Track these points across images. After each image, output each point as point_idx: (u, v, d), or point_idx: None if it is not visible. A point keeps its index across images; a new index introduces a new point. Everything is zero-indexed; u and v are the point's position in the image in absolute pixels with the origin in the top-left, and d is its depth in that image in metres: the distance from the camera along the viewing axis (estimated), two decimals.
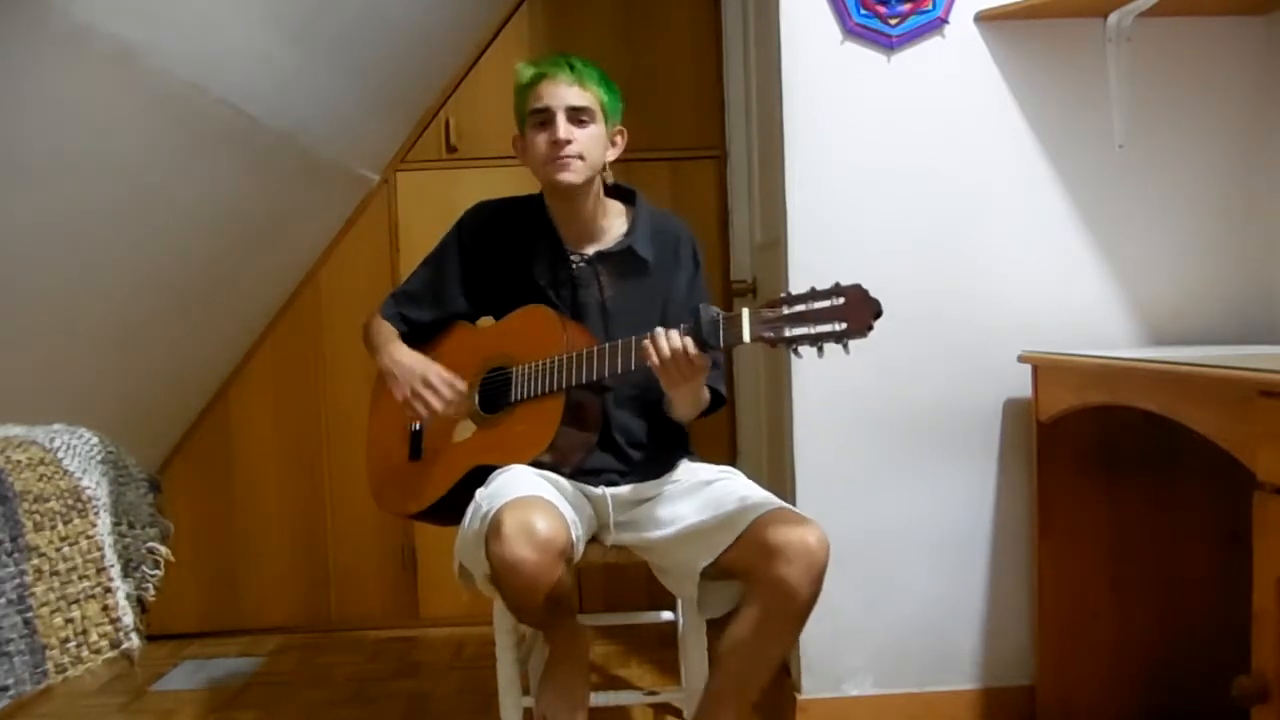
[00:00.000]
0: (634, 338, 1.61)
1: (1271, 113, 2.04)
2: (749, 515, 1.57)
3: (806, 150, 2.04)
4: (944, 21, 2.03)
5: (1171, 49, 2.03)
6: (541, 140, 1.74)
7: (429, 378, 1.77)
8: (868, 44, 2.03)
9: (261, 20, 2.00)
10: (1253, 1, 1.98)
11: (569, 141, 1.71)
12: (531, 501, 1.54)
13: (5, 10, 1.46)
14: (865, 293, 1.40)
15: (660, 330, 1.55)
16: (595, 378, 1.64)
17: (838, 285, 1.42)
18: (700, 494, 1.70)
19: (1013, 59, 2.04)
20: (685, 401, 1.70)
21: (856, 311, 1.39)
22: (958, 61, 2.04)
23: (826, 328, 1.41)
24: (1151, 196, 2.06)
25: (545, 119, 1.73)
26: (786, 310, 1.44)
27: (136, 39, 1.68)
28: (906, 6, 2.02)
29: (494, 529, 1.50)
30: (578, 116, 1.73)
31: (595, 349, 1.65)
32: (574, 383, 1.66)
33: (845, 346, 1.40)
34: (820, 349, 1.42)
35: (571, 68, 1.73)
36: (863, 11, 2.02)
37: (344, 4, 2.23)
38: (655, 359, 1.54)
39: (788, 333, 1.43)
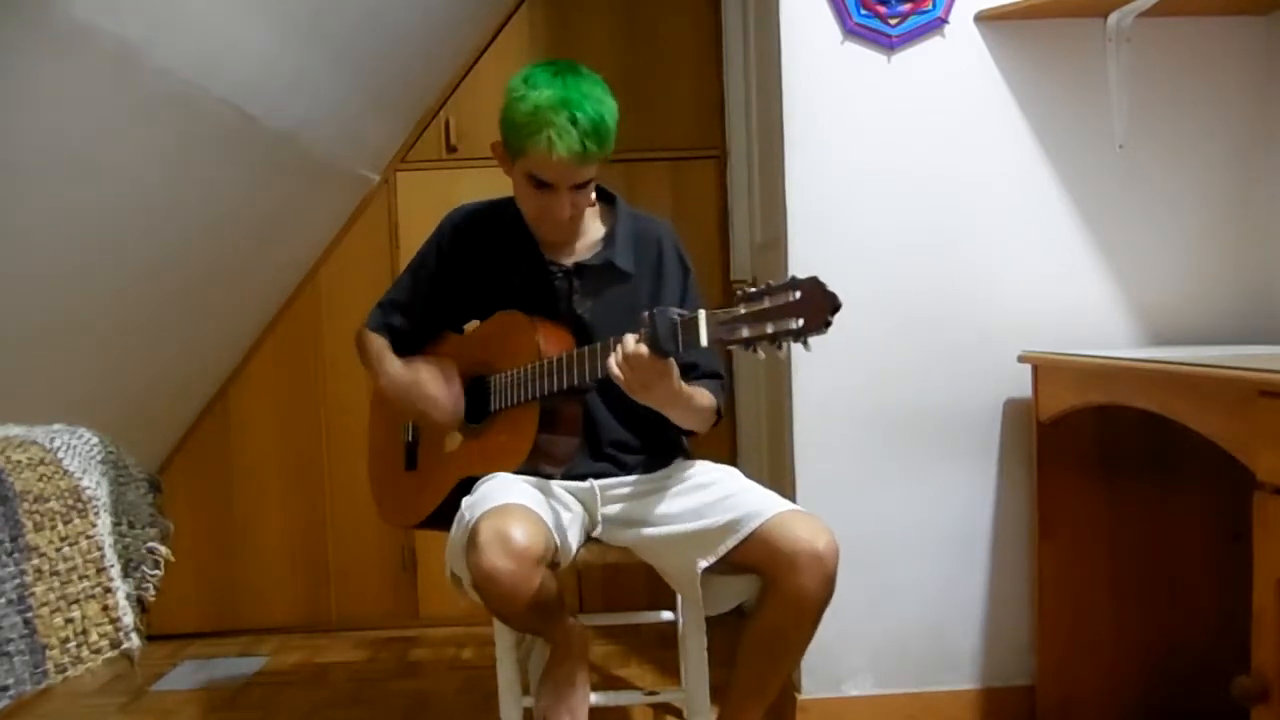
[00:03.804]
0: (597, 344, 1.58)
1: (1271, 113, 2.04)
2: (755, 519, 1.56)
3: (806, 150, 2.04)
4: (944, 21, 2.03)
5: (1171, 49, 2.03)
6: (537, 202, 1.68)
7: (421, 387, 1.77)
8: (868, 44, 2.03)
9: (262, 20, 1.99)
10: (1253, 1, 1.98)
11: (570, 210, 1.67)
12: (509, 510, 1.53)
13: (5, 10, 1.46)
14: (822, 286, 1.33)
15: (623, 338, 1.51)
16: (567, 385, 1.62)
17: (793, 279, 1.35)
18: (698, 494, 1.69)
19: (1013, 59, 2.04)
20: (672, 413, 1.65)
21: (813, 307, 1.32)
22: (958, 61, 2.04)
23: (784, 325, 1.34)
24: (1151, 196, 2.06)
25: (545, 185, 1.65)
26: (744, 310, 1.39)
27: (136, 39, 1.68)
28: (906, 6, 2.02)
29: (471, 539, 1.50)
30: (581, 184, 1.66)
31: (563, 356, 1.63)
32: (547, 391, 1.65)
33: (805, 344, 1.34)
34: (780, 346, 1.36)
35: (585, 149, 1.58)
36: (863, 11, 2.02)
37: (345, 4, 2.23)
38: (614, 367, 1.50)
39: (745, 333, 1.38)
